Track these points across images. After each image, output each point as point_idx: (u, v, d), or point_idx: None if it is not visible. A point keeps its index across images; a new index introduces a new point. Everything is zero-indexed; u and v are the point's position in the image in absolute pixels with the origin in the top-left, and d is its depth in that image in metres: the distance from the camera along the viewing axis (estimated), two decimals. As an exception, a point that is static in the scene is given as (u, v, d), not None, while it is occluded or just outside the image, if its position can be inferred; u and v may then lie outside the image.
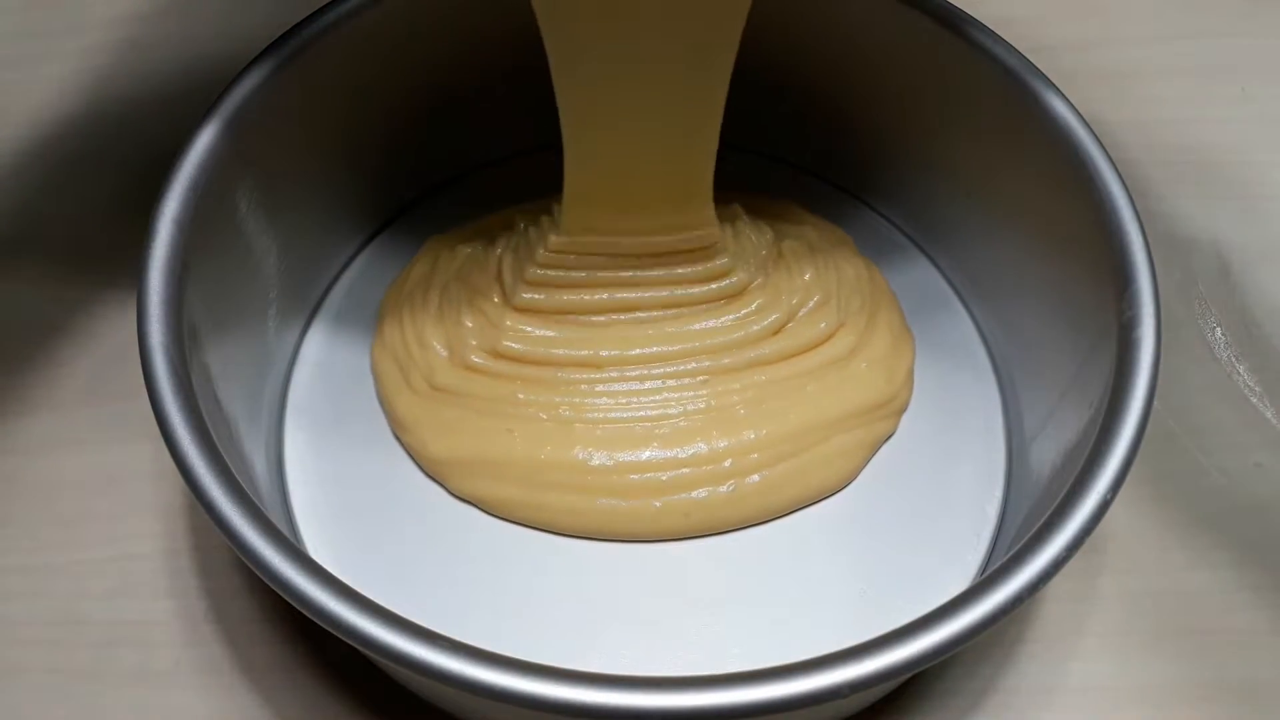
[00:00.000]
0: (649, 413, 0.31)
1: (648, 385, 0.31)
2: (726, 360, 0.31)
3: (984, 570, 0.29)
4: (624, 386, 0.31)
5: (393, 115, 0.32)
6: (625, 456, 0.30)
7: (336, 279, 0.34)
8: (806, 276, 0.32)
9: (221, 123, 0.27)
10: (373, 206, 0.35)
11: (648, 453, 0.30)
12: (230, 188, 0.27)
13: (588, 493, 0.30)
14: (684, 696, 0.21)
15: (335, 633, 0.22)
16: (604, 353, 0.31)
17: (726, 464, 0.30)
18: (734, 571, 0.30)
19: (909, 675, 0.22)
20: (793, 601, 0.29)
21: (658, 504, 0.30)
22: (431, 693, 0.27)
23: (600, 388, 0.31)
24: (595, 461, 0.30)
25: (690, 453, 0.30)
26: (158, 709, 0.28)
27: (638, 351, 0.31)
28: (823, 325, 0.32)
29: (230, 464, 0.24)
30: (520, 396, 0.31)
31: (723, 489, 0.30)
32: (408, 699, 0.28)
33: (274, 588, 0.22)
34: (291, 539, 0.23)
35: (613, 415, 0.31)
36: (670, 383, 0.31)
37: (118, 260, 0.34)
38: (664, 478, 0.30)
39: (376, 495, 0.30)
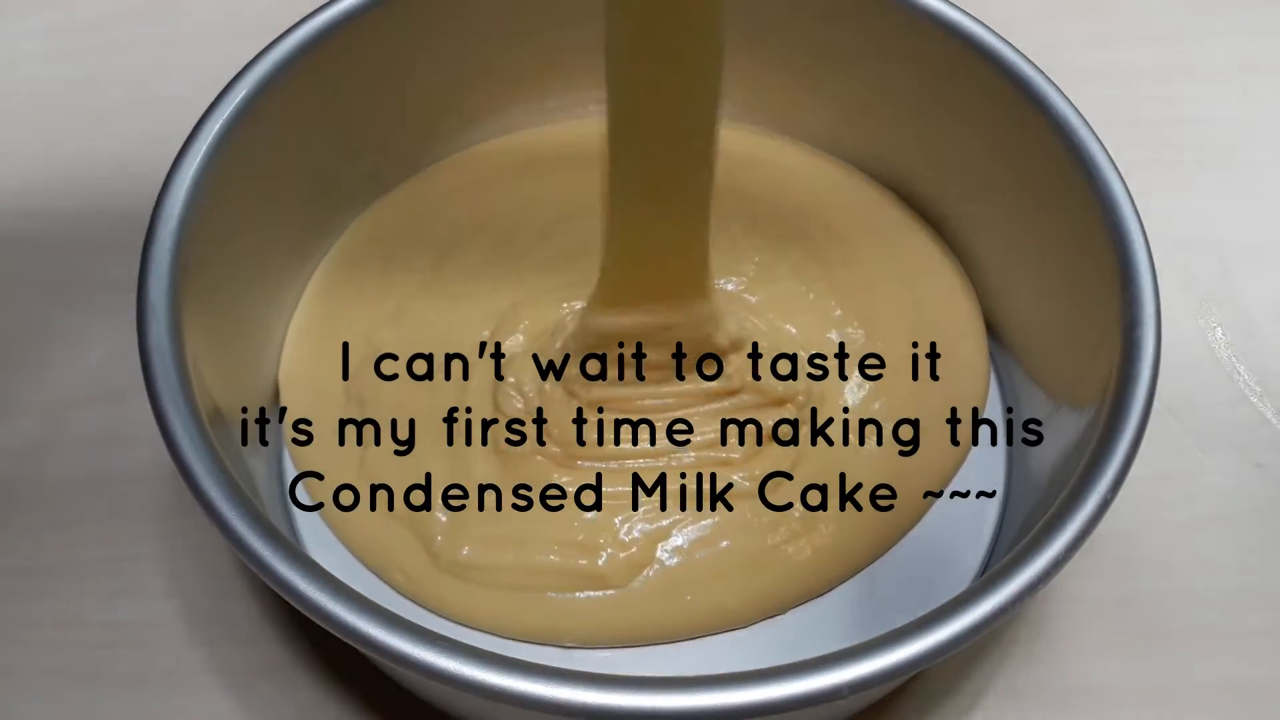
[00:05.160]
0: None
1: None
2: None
3: (984, 570, 0.29)
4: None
5: (391, 113, 0.32)
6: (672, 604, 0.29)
7: (336, 279, 0.34)
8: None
9: (221, 124, 0.27)
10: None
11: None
12: (229, 188, 0.27)
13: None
14: (684, 696, 0.21)
15: (335, 632, 0.22)
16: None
17: (790, 549, 0.29)
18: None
19: (909, 675, 0.22)
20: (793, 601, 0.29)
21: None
22: (430, 692, 0.27)
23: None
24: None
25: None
26: (158, 709, 0.28)
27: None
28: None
29: (230, 464, 0.24)
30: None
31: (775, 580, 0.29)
32: (407, 699, 0.28)
33: (274, 588, 0.22)
34: (291, 539, 0.23)
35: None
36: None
37: (118, 260, 0.34)
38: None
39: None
